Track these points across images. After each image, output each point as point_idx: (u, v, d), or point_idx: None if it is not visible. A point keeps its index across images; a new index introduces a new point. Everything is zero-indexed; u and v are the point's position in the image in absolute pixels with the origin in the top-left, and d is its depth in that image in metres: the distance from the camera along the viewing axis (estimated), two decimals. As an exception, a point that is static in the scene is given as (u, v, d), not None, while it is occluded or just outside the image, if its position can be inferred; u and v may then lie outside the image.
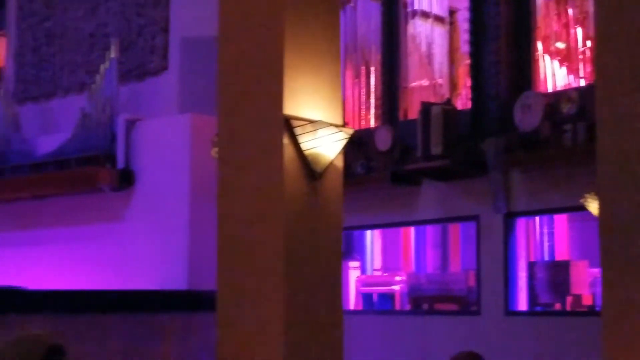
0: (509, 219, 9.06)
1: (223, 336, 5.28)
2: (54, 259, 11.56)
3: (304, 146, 5.18)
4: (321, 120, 5.25)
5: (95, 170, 11.20)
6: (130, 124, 11.30)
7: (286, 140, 5.13)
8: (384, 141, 9.87)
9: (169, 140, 11.06)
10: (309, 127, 5.18)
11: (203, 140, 10.86)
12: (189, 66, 11.34)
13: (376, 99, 10.55)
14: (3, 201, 12.12)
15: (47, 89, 12.52)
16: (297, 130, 5.15)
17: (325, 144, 5.25)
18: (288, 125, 5.14)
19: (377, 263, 10.95)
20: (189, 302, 9.84)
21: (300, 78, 5.21)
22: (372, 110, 10.59)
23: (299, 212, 5.18)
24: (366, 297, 10.67)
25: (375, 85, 10.57)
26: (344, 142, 5.32)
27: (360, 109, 10.68)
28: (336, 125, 5.32)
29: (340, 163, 5.42)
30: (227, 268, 5.29)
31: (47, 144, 11.87)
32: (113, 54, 11.27)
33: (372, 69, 10.61)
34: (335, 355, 5.25)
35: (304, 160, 5.21)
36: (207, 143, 10.73)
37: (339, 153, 5.36)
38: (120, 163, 11.20)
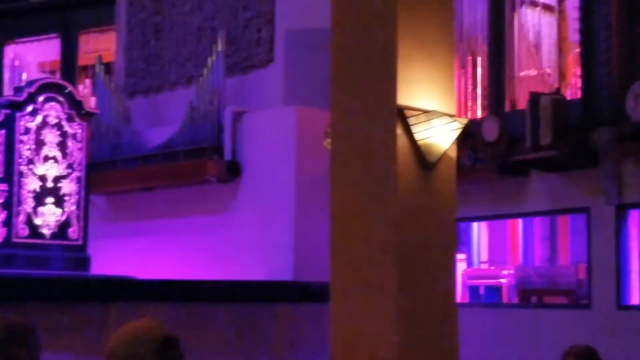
0: (621, 210, 8.87)
1: (336, 328, 5.29)
2: (163, 249, 11.77)
3: (417, 136, 5.15)
4: (435, 110, 5.21)
5: (203, 162, 11.37)
6: (237, 116, 11.42)
7: (399, 131, 5.11)
8: (491, 132, 9.77)
9: (274, 132, 11.15)
10: (422, 117, 5.15)
11: (308, 132, 10.93)
12: (294, 58, 11.41)
13: (483, 89, 10.46)
14: (114, 192, 12.40)
15: (156, 83, 12.74)
16: (411, 121, 5.12)
17: (439, 134, 5.21)
18: (401, 115, 5.12)
19: (483, 255, 10.86)
20: (295, 293, 9.90)
21: (413, 68, 5.18)
22: (479, 101, 10.50)
23: (412, 202, 5.16)
24: (472, 290, 10.60)
25: (481, 75, 10.48)
26: (457, 132, 5.27)
27: (466, 99, 10.59)
28: (450, 115, 5.28)
29: (453, 153, 5.38)
30: (340, 259, 5.30)
31: (157, 137, 12.09)
32: (220, 47, 11.41)
33: (479, 59, 10.52)
34: (450, 347, 5.22)
35: (417, 151, 5.18)
36: (312, 135, 10.80)
37: (453, 143, 5.32)
38: (227, 155, 11.33)
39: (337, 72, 5.42)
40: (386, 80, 5.15)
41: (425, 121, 5.17)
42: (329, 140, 5.85)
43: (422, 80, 5.24)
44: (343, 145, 5.35)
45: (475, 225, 10.78)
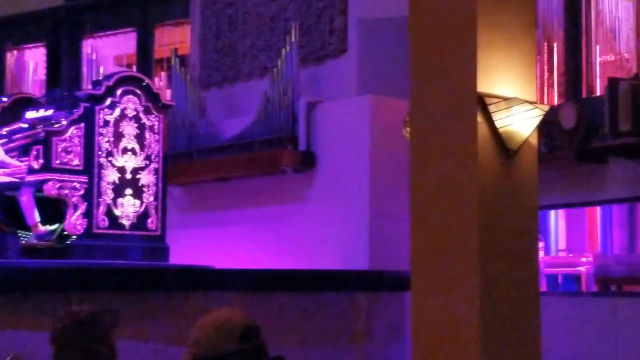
0: (703, 197, 8.71)
1: (417, 315, 5.29)
2: (239, 238, 11.88)
3: (498, 124, 5.13)
4: (516, 97, 5.18)
5: (278, 152, 11.45)
6: (311, 106, 11.46)
7: (480, 119, 5.10)
8: (568, 119, 9.64)
9: (348, 122, 11.17)
10: (502, 105, 5.13)
11: (383, 121, 10.93)
12: (367, 48, 11.41)
13: (559, 75, 10.33)
14: (191, 183, 12.54)
15: (231, 74, 12.85)
16: (491, 108, 5.10)
17: (520, 122, 5.19)
18: (482, 103, 5.10)
19: (561, 244, 10.74)
20: (373, 282, 9.92)
21: (493, 55, 5.16)
22: (555, 88, 10.38)
23: (494, 190, 5.14)
24: (550, 279, 10.50)
25: (557, 61, 10.34)
26: (538, 119, 5.24)
27: (542, 86, 10.47)
28: (530, 102, 5.24)
29: (534, 140, 5.35)
30: (420, 247, 5.30)
31: (232, 128, 12.19)
32: (293, 37, 11.45)
33: (555, 45, 10.38)
34: (532, 333, 5.19)
35: (498, 138, 5.16)
36: (387, 124, 10.80)
37: (534, 130, 5.28)
38: (302, 145, 11.39)
39: (416, 60, 5.41)
40: (466, 67, 5.13)
41: (505, 109, 5.15)
42: (408, 129, 5.85)
43: (502, 67, 5.21)
44: (423, 134, 5.35)
45: (552, 213, 10.67)
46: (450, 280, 5.12)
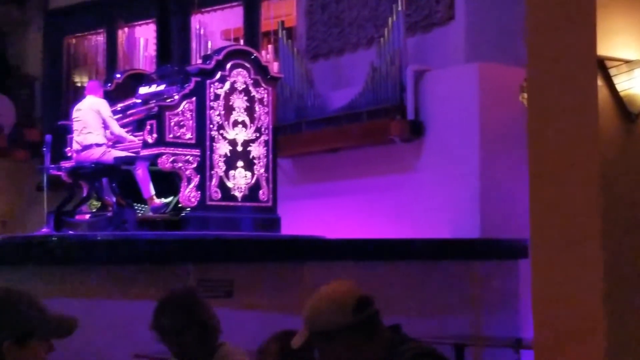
0: None
1: (538, 283, 5.24)
2: (349, 209, 11.94)
3: (619, 87, 5.02)
4: (638, 60, 5.07)
5: (386, 122, 11.43)
6: (419, 75, 11.41)
7: (600, 82, 5.00)
8: (685, 81, 9.37)
9: (457, 90, 11.09)
10: (624, 68, 5.02)
11: (492, 89, 10.83)
12: (475, 14, 11.28)
13: (675, 37, 10.03)
14: (301, 154, 12.64)
15: (337, 45, 12.86)
16: (612, 72, 5.00)
17: (642, 84, 5.08)
18: (602, 66, 5.00)
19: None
20: (485, 250, 9.89)
21: (613, 16, 5.04)
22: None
23: (615, 155, 5.04)
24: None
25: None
26: (661, 81, 5.12)
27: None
28: (653, 64, 5.12)
29: (657, 103, 5.22)
30: (540, 215, 5.24)
31: (339, 99, 12.22)
32: (400, 6, 11.39)
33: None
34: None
35: (619, 102, 5.05)
36: (496, 91, 10.70)
37: (656, 93, 5.16)
38: (410, 114, 11.35)
39: (533, 24, 5.32)
40: (585, 30, 5.03)
41: (627, 71, 5.04)
42: (524, 95, 5.80)
43: (623, 29, 5.09)
44: (541, 99, 5.27)
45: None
46: (571, 246, 5.06)
